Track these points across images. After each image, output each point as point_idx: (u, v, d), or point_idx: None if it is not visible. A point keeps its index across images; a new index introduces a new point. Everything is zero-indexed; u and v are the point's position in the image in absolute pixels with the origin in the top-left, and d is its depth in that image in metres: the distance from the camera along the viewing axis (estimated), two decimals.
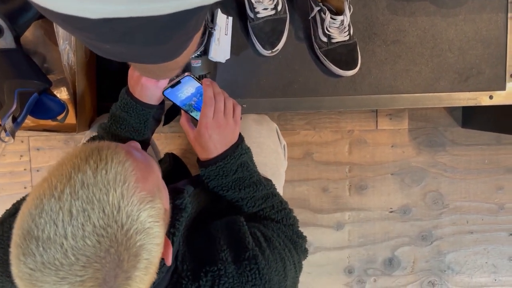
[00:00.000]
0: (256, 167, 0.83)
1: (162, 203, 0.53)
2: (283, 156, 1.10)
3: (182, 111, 0.80)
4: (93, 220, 0.45)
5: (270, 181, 0.88)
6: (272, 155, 1.04)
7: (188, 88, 0.78)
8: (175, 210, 0.65)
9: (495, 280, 1.71)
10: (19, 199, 0.74)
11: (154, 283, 0.52)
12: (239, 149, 0.78)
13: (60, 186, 0.47)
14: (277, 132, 1.10)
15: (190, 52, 0.54)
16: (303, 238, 0.80)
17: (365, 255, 1.68)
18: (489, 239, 1.69)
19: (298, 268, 0.74)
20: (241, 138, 0.80)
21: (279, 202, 0.82)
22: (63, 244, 0.44)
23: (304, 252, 0.79)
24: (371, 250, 1.68)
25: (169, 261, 0.58)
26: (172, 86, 0.77)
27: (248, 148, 0.81)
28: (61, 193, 0.46)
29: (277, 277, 0.67)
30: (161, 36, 0.43)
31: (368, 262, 1.68)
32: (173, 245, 0.62)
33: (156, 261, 0.51)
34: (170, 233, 0.62)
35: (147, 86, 0.81)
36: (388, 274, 1.69)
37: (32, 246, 0.44)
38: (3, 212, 0.72)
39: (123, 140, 0.83)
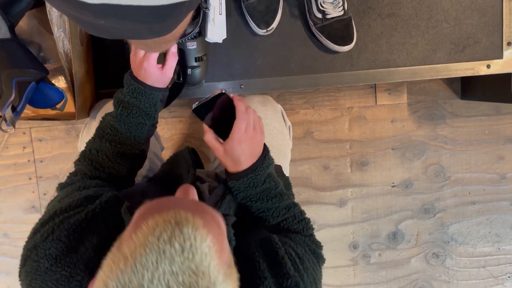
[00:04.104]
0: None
1: (234, 267, 0.50)
2: (288, 136, 1.11)
3: (206, 127, 0.78)
4: None
5: (290, 190, 0.89)
6: (278, 136, 1.05)
7: (215, 104, 0.77)
8: None
9: (499, 249, 1.73)
10: (41, 220, 0.66)
11: None
12: (267, 159, 0.78)
13: (148, 275, 0.43)
14: (282, 113, 1.11)
15: (185, 23, 0.55)
16: (321, 248, 0.82)
17: (369, 230, 1.70)
18: (491, 209, 1.71)
19: (321, 281, 0.76)
20: (266, 148, 0.80)
21: (299, 212, 0.84)
22: None
23: (323, 261, 0.80)
24: (374, 225, 1.69)
25: None
26: (203, 103, 0.76)
27: (273, 158, 0.81)
28: (150, 283, 0.43)
29: None
30: (159, 17, 0.44)
31: (372, 237, 1.70)
32: None
33: None
34: None
35: (150, 70, 0.81)
36: (392, 248, 1.71)
37: None
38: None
39: (134, 126, 0.83)
